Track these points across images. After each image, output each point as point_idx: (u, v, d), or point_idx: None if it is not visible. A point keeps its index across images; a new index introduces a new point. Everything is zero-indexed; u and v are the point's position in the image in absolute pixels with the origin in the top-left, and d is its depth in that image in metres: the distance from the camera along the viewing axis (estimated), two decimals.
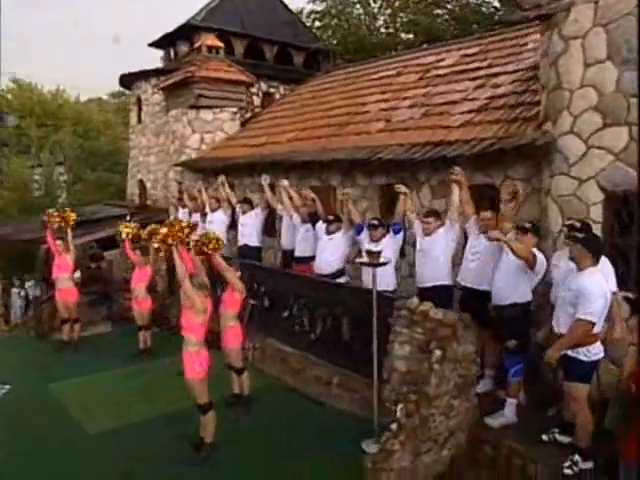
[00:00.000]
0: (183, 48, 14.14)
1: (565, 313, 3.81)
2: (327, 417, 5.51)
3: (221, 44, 11.82)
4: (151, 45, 15.41)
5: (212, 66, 11.16)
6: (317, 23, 18.90)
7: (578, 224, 4.28)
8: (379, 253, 4.48)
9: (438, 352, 4.35)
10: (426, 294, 5.17)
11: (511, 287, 4.38)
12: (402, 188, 5.62)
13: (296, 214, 6.97)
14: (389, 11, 18.76)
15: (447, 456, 4.42)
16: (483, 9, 15.05)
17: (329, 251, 6.34)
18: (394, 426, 4.24)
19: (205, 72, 10.84)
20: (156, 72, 13.56)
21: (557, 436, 4.15)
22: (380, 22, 18.72)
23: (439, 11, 15.12)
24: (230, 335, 5.37)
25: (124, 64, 16.97)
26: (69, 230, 7.57)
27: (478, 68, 7.67)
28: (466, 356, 4.49)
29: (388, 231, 5.77)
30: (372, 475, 4.06)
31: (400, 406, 4.32)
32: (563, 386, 3.94)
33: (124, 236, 7.25)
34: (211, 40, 11.63)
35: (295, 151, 8.27)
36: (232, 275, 5.23)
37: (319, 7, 20.40)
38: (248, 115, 11.97)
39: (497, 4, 15.24)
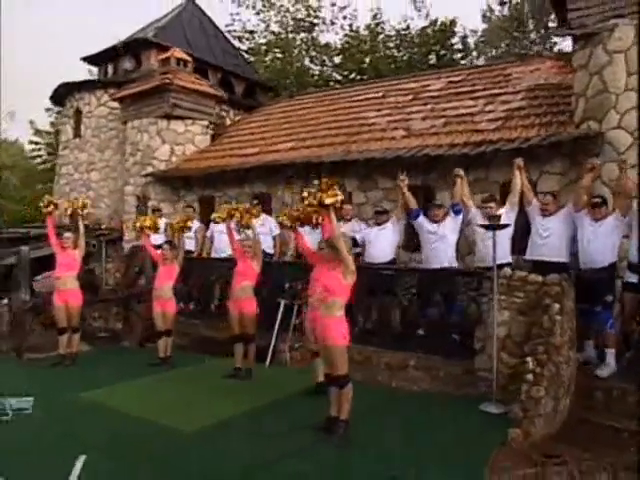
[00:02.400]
0: (127, 64, 13.65)
1: None
2: (416, 399, 5.50)
3: (189, 58, 11.71)
4: (85, 60, 14.55)
5: (184, 77, 10.98)
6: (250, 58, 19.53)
7: None
8: (499, 217, 4.93)
9: (557, 305, 4.85)
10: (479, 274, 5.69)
11: (609, 251, 5.13)
12: (460, 172, 6.15)
13: None
14: (313, 53, 20.18)
15: (567, 404, 4.85)
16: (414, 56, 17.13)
17: (382, 241, 6.62)
18: (529, 376, 4.58)
19: (181, 82, 10.63)
20: (104, 83, 12.84)
21: None
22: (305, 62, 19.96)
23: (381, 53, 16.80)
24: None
25: None
26: (81, 220, 6.71)
27: (474, 90, 8.82)
28: (572, 310, 5.07)
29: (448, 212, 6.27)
30: (526, 423, 4.31)
31: (530, 359, 4.69)
32: None
33: (147, 227, 6.69)
34: (179, 53, 11.48)
35: (310, 156, 8.47)
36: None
37: (244, 45, 21.19)
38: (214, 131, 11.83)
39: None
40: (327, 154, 8.35)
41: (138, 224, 6.67)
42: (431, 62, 17.65)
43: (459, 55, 17.36)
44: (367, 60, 16.40)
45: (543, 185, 6.73)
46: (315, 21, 18.71)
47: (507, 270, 5.39)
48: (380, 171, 8.01)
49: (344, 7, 19.00)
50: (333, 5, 19.06)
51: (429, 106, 8.87)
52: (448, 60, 17.62)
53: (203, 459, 4.02)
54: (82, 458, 3.73)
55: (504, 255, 5.88)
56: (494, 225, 4.97)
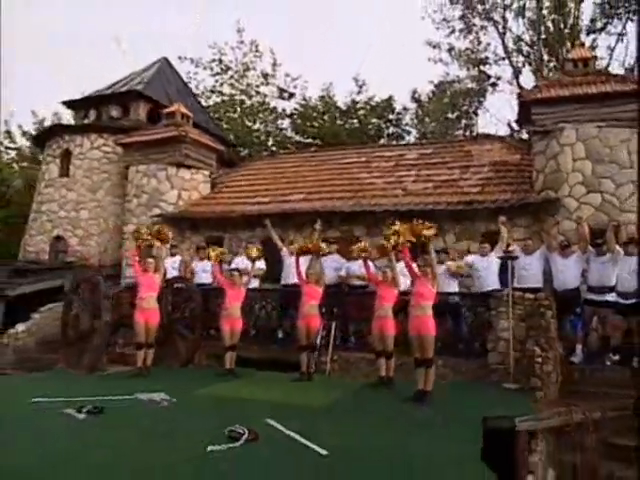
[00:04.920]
0: (114, 112, 14.88)
1: None
2: (450, 385, 7.41)
3: (190, 113, 13.37)
4: (65, 104, 15.45)
5: (191, 130, 12.61)
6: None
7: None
8: (513, 251, 7.40)
9: (549, 312, 7.33)
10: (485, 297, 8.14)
11: (574, 277, 7.80)
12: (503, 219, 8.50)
13: None
14: (261, 116, 22.61)
15: (560, 379, 7.23)
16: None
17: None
18: (539, 359, 6.92)
19: (192, 134, 12.24)
20: (97, 128, 13.91)
21: (612, 357, 7.45)
22: (257, 125, 22.27)
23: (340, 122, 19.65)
24: (389, 324, 7.16)
25: None
26: (164, 248, 7.99)
27: (445, 162, 11.63)
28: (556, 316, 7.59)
29: None
30: (544, 388, 6.60)
31: (536, 348, 7.05)
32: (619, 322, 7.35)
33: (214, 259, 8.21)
34: (183, 108, 13.12)
35: (328, 206, 10.55)
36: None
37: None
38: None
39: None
40: (341, 205, 10.51)
41: (212, 254, 8.18)
42: (370, 133, 20.91)
43: (398, 129, 20.85)
44: (325, 125, 19.15)
45: (515, 233, 9.46)
46: (293, 91, 21.39)
47: (507, 291, 7.83)
48: (384, 221, 10.29)
49: (296, 78, 21.93)
50: (287, 76, 21.93)
51: (413, 172, 11.51)
52: (384, 133, 21.04)
53: (347, 417, 5.61)
54: (270, 420, 5.16)
55: (494, 283, 8.34)
56: (510, 257, 7.43)
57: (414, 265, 6.73)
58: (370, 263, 8.59)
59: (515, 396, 6.73)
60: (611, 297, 7.62)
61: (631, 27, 17.67)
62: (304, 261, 8.31)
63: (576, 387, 7.22)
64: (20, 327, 10.62)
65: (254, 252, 8.20)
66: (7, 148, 21.59)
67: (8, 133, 21.54)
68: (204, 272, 9.63)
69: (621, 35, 17.93)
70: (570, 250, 8.01)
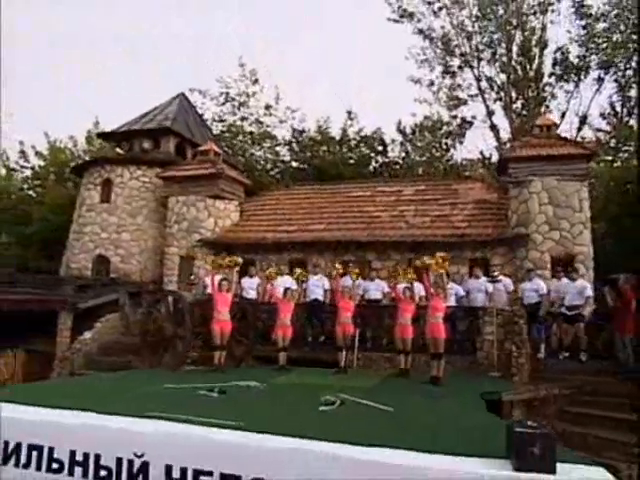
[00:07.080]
0: (146, 144, 17.27)
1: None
2: (452, 375, 10.29)
3: (220, 151, 15.92)
4: (99, 135, 17.73)
5: (226, 168, 15.16)
6: None
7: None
8: (497, 276, 10.36)
9: (522, 320, 10.29)
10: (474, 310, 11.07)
11: (538, 295, 10.79)
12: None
13: None
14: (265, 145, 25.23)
15: (530, 369, 10.18)
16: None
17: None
18: (515, 354, 9.87)
19: (228, 172, 14.80)
20: (135, 161, 16.28)
21: (564, 353, 10.47)
22: (259, 152, 24.83)
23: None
24: (408, 330, 9.92)
25: None
26: (235, 272, 10.55)
27: (436, 199, 14.56)
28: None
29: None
30: (520, 374, 9.53)
31: (513, 346, 9.99)
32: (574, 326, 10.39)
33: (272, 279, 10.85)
34: (215, 147, 15.65)
35: (347, 236, 13.33)
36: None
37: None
38: None
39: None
40: (358, 235, 13.32)
41: (267, 273, 10.81)
42: (362, 162, 23.63)
43: (387, 159, 23.83)
44: (322, 155, 21.92)
45: (494, 260, 12.47)
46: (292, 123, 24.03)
47: (494, 305, 10.79)
48: (392, 248, 13.16)
49: (295, 110, 24.72)
50: (287, 108, 24.72)
51: (412, 207, 14.38)
52: (374, 163, 23.97)
53: (387, 393, 8.28)
54: (341, 394, 7.83)
55: (482, 301, 11.29)
56: (494, 280, 10.39)
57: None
58: (382, 283, 11.48)
59: (498, 381, 9.64)
60: (564, 310, 10.66)
61: (583, 86, 21.78)
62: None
63: (541, 374, 10.18)
64: (87, 334, 12.90)
65: (302, 276, 10.89)
66: (22, 167, 23.44)
67: (22, 153, 23.42)
68: (251, 289, 12.21)
69: (574, 91, 21.93)
70: (534, 273, 11.05)
